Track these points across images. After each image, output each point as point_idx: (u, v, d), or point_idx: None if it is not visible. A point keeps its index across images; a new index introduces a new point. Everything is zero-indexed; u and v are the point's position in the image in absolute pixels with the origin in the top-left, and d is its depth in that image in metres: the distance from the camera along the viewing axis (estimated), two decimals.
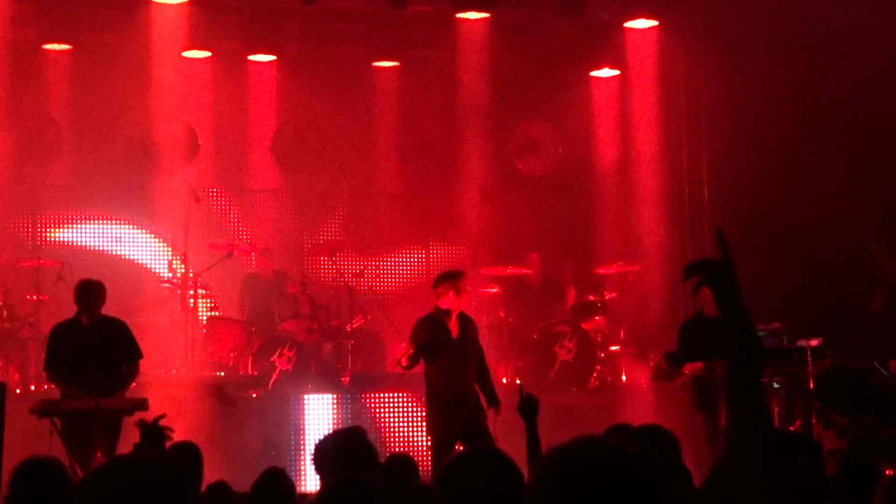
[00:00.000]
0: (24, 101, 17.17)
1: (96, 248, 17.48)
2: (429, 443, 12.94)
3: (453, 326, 12.37)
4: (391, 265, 17.87)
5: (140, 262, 17.61)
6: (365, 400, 14.76)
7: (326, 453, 6.94)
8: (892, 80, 15.73)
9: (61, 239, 17.34)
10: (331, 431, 7.29)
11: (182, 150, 17.71)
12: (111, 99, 17.21)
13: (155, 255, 17.64)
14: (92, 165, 17.47)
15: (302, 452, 13.99)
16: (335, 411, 14.49)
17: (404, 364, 12.23)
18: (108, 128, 17.39)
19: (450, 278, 12.52)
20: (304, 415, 14.38)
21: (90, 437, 11.50)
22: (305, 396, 14.49)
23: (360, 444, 7.04)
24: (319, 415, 14.42)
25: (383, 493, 5.24)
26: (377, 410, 14.68)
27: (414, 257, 18.02)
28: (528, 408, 7.75)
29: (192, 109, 17.70)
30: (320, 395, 14.56)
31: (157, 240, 17.56)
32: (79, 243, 17.37)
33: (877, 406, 13.35)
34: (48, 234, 17.33)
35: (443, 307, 12.36)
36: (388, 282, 17.58)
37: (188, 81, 17.48)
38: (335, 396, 14.62)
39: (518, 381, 8.34)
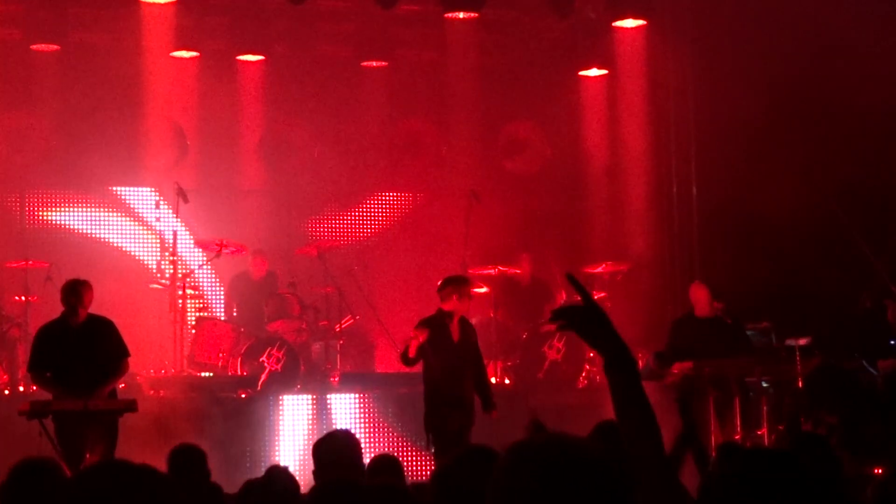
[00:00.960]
0: (12, 102, 17.17)
1: (86, 232, 17.49)
2: (420, 442, 13.06)
3: (454, 329, 12.45)
4: (380, 266, 17.84)
5: (132, 254, 17.60)
6: (344, 400, 14.68)
7: (321, 455, 6.97)
8: (879, 80, 15.75)
9: (52, 218, 17.38)
10: (325, 433, 7.29)
11: (170, 149, 17.71)
12: (101, 99, 17.20)
13: (144, 248, 17.66)
14: (82, 167, 17.45)
15: (276, 453, 13.94)
16: (312, 412, 14.42)
17: (411, 356, 12.28)
18: (97, 126, 17.38)
19: (455, 283, 12.65)
20: (278, 416, 14.31)
21: (81, 439, 11.49)
22: (283, 397, 14.44)
23: (348, 447, 7.07)
24: (295, 416, 14.35)
25: (369, 494, 5.25)
26: (357, 410, 14.59)
27: (403, 258, 18.00)
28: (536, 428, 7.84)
29: (180, 109, 17.70)
30: (298, 396, 14.50)
31: (151, 218, 17.61)
32: (69, 225, 17.42)
33: (865, 405, 13.38)
34: (40, 214, 17.37)
35: (445, 310, 12.46)
36: (377, 282, 17.56)
37: (176, 81, 17.47)
38: (313, 397, 14.55)
39: (533, 419, 8.35)
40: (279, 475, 7.37)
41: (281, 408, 14.37)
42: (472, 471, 4.41)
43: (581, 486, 2.96)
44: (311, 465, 6.71)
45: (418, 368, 12.57)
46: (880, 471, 9.28)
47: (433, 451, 12.29)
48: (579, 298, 3.83)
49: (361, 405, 14.63)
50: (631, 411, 3.65)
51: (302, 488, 7.34)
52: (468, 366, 12.49)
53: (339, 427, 13.55)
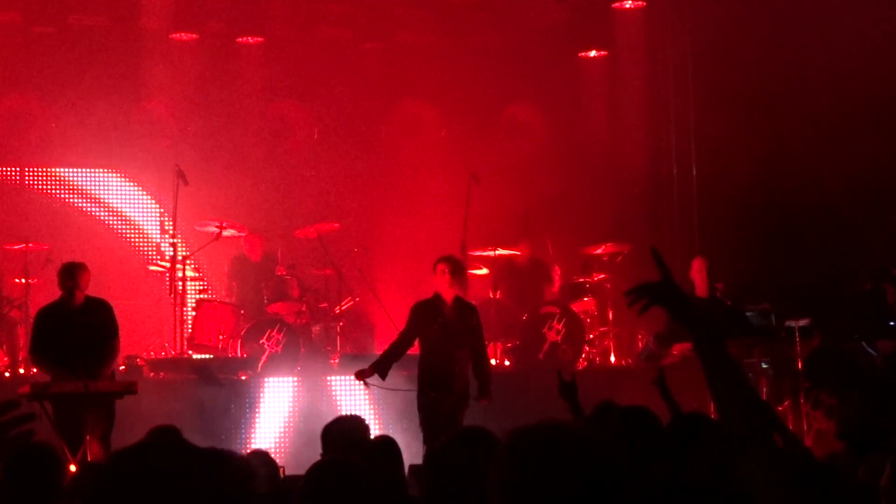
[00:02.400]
0: (12, 84, 17.20)
1: (86, 213, 17.52)
2: (403, 425, 13.18)
3: (448, 310, 12.43)
4: (380, 247, 17.83)
5: (132, 236, 17.64)
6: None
7: (331, 437, 7.01)
8: (882, 61, 15.74)
9: (51, 201, 17.42)
10: (334, 418, 7.32)
11: (169, 132, 17.74)
12: (100, 81, 17.21)
13: (144, 230, 17.70)
14: (82, 149, 17.48)
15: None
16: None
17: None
18: (96, 108, 17.40)
19: (443, 262, 12.60)
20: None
21: (81, 421, 11.50)
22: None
23: (358, 431, 7.11)
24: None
25: (367, 473, 5.27)
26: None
27: (403, 240, 17.99)
28: (567, 390, 7.95)
29: (179, 91, 17.71)
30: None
31: (150, 200, 17.62)
32: (68, 208, 17.45)
33: (864, 386, 13.40)
34: (39, 196, 17.40)
35: (438, 290, 12.48)
36: (376, 264, 17.56)
37: (176, 63, 17.48)
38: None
39: (558, 371, 8.45)
40: (260, 460, 7.40)
41: (263, 390, 14.32)
42: (464, 453, 4.42)
43: (577, 469, 3.01)
44: (289, 448, 6.73)
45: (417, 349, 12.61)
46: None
47: (422, 433, 12.30)
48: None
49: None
50: (725, 381, 3.59)
51: (281, 471, 7.37)
52: (461, 348, 12.46)
53: (321, 409, 13.62)
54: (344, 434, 7.06)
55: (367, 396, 14.20)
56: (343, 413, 11.33)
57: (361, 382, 12.36)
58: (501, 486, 3.08)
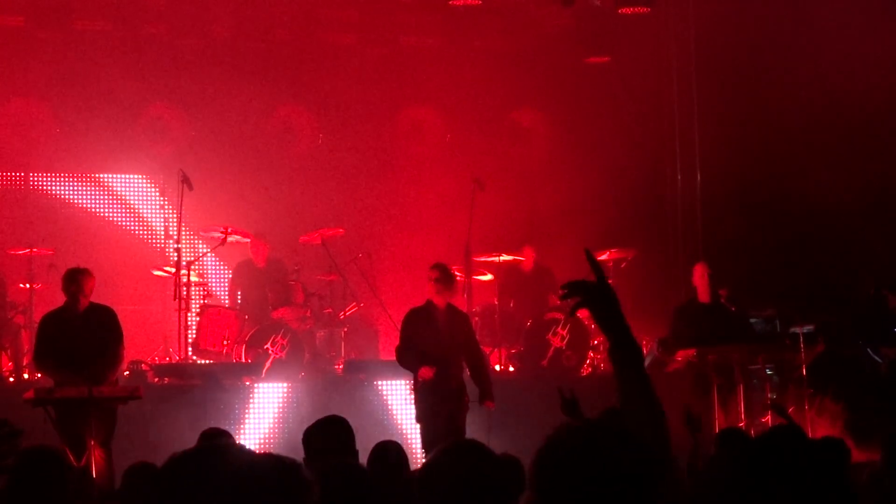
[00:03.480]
0: (16, 88, 17.23)
1: (90, 218, 17.51)
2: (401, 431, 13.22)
3: (440, 318, 12.49)
4: (384, 253, 17.82)
5: (137, 241, 17.63)
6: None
7: (313, 440, 6.95)
8: (883, 70, 15.74)
9: (55, 206, 17.41)
10: (317, 420, 7.23)
11: (173, 137, 17.76)
12: (104, 85, 17.21)
13: (149, 235, 17.70)
14: (85, 154, 17.49)
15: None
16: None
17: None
18: (100, 113, 17.42)
19: (434, 270, 12.66)
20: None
21: (84, 426, 11.49)
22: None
23: (343, 432, 7.06)
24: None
25: (371, 479, 5.25)
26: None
27: (407, 245, 17.97)
28: (569, 407, 7.98)
29: (183, 96, 17.72)
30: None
31: (155, 205, 17.63)
32: (72, 213, 17.44)
33: (869, 392, 13.39)
34: (44, 201, 17.40)
35: (430, 298, 12.54)
36: (381, 269, 17.54)
37: (180, 69, 17.49)
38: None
39: (559, 388, 8.51)
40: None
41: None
42: (457, 466, 4.38)
43: (618, 465, 3.01)
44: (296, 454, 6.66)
45: None
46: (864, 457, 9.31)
47: (421, 440, 12.30)
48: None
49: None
50: (634, 395, 3.66)
51: None
52: (455, 353, 12.52)
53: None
54: (327, 436, 6.99)
55: (380, 399, 14.25)
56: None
57: (422, 380, 12.30)
58: (544, 483, 3.08)
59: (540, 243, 17.00)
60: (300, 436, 7.07)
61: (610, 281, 3.86)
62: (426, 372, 12.17)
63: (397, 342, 12.87)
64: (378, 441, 7.89)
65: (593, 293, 3.79)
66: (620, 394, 3.66)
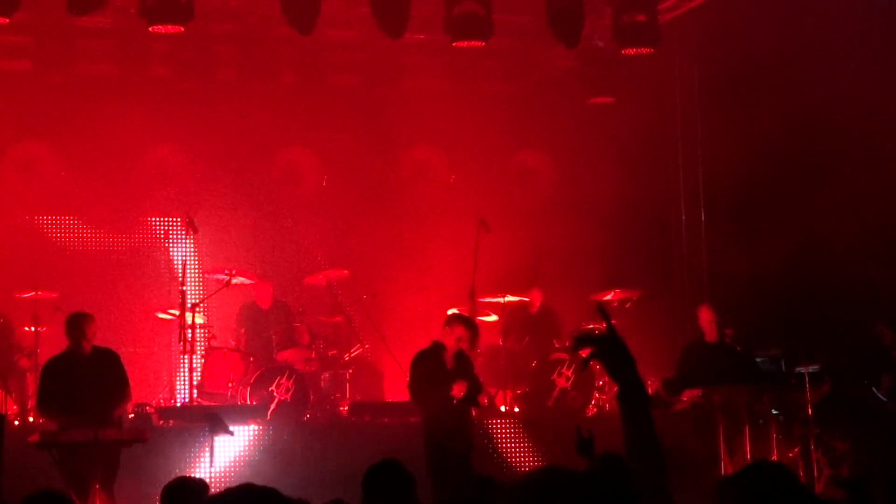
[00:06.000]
0: (22, 132, 17.29)
1: (95, 261, 17.51)
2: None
3: (449, 360, 12.55)
4: (389, 294, 17.81)
5: (141, 283, 17.60)
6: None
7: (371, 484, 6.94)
8: (890, 100, 15.75)
9: (61, 249, 17.41)
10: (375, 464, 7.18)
11: (178, 180, 17.80)
12: (109, 128, 17.25)
13: (153, 278, 17.66)
14: (90, 197, 17.52)
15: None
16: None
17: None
18: (105, 156, 17.49)
19: (453, 321, 12.76)
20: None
21: (88, 469, 11.47)
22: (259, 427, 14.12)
23: (397, 475, 7.05)
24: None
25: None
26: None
27: (412, 286, 17.97)
28: (584, 446, 7.98)
29: (187, 138, 17.78)
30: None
31: (160, 248, 17.63)
32: (78, 256, 17.45)
33: (875, 431, 13.33)
34: (49, 245, 17.39)
35: (444, 342, 12.58)
36: (385, 311, 17.53)
37: (185, 111, 17.55)
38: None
39: (577, 427, 8.54)
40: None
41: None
42: (472, 500, 4.40)
43: None
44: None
45: None
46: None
47: (431, 482, 12.26)
48: (592, 325, 3.87)
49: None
50: (639, 442, 3.67)
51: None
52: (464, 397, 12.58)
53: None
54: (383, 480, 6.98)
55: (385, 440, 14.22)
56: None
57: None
58: None
59: (545, 284, 17.00)
60: (307, 477, 7.08)
61: (615, 322, 3.87)
62: (459, 388, 12.36)
63: (405, 382, 12.92)
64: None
65: (605, 345, 3.81)
66: (626, 440, 3.67)
